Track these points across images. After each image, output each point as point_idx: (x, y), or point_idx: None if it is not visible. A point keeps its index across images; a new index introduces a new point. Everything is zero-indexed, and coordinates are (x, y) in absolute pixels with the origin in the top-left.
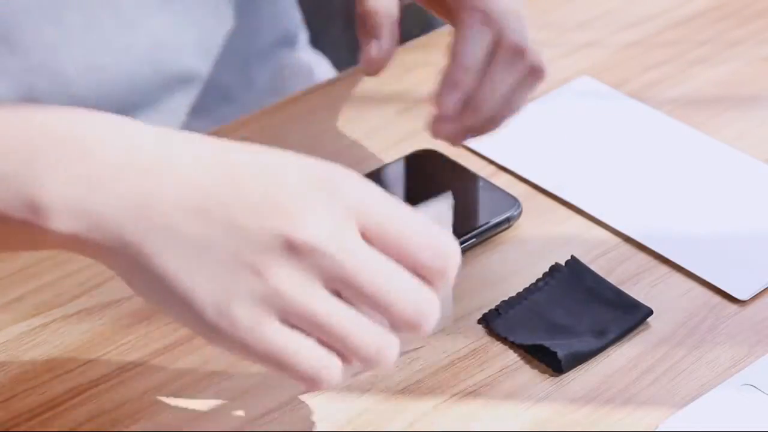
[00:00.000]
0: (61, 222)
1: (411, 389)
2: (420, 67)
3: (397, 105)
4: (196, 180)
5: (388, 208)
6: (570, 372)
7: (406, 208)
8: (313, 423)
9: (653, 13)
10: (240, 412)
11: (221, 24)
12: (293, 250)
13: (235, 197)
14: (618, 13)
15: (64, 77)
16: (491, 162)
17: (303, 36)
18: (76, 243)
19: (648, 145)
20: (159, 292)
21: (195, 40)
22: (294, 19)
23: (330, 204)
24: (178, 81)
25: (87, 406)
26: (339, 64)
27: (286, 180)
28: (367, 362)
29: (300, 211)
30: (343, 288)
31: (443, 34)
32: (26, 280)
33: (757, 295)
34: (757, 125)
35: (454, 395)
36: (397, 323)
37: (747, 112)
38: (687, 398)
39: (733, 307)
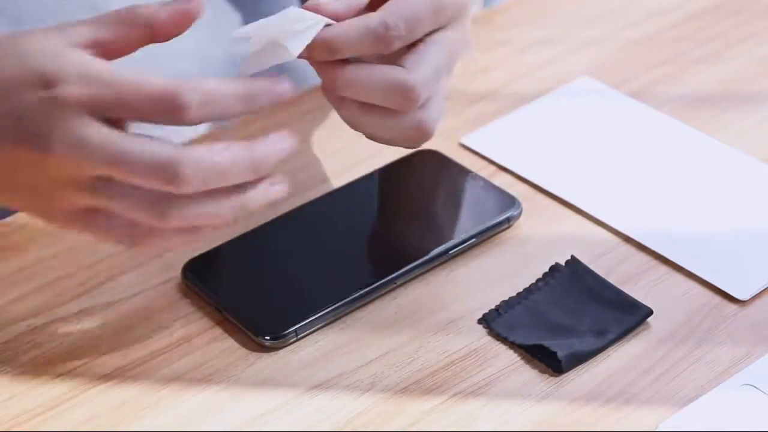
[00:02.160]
0: None
1: (411, 389)
2: None
3: None
4: None
5: (115, 89)
6: (570, 372)
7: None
8: (313, 423)
9: (654, 12)
10: (240, 412)
11: (217, 30)
12: (44, 166)
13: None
14: (618, 13)
15: None
16: (491, 162)
17: None
18: None
19: (648, 145)
20: None
21: (191, 47)
22: None
23: (56, 111)
24: None
25: (87, 406)
26: None
27: (10, 97)
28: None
29: (30, 126)
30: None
31: None
32: (26, 280)
33: (757, 295)
34: (757, 125)
35: (454, 395)
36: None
37: (747, 112)
38: (687, 398)
39: (733, 307)
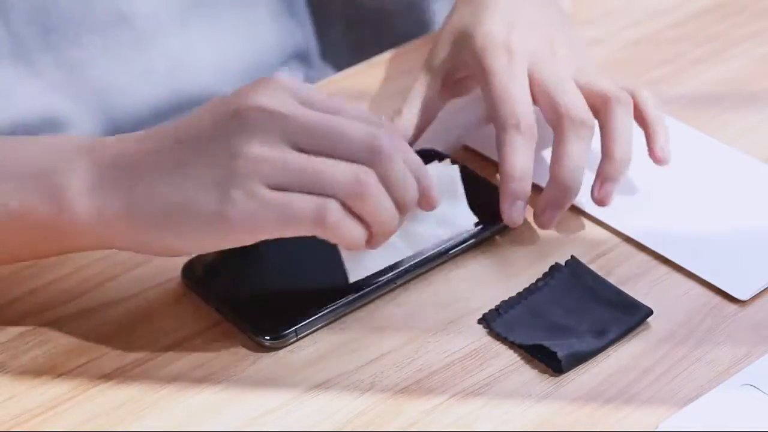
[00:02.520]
0: (81, 206)
1: (411, 389)
2: (420, 67)
3: (396, 105)
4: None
5: (316, 92)
6: (570, 372)
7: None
8: (313, 423)
9: (654, 12)
10: (240, 412)
11: (237, 42)
12: (243, 117)
13: (193, 136)
14: (618, 13)
15: (83, 99)
16: (491, 162)
17: (315, 51)
18: (95, 224)
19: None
20: (177, 231)
21: (212, 60)
22: (307, 34)
23: (269, 91)
24: (194, 102)
25: (87, 406)
26: (339, 64)
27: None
28: (349, 192)
29: (241, 95)
30: (300, 138)
31: None
32: (26, 280)
33: (757, 295)
34: (757, 125)
35: (454, 395)
36: (355, 150)
37: (747, 112)
38: (687, 398)
39: (733, 307)
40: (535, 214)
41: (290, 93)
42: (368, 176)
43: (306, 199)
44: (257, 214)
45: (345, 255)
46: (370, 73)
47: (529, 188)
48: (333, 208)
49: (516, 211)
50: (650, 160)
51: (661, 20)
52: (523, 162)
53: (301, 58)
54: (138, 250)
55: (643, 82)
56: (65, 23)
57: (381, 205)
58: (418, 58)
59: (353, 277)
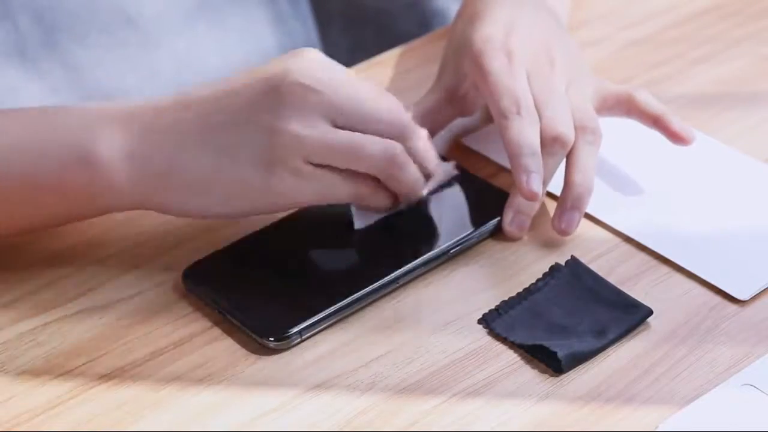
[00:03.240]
0: (115, 167)
1: (411, 389)
2: (420, 67)
3: None
4: (203, 115)
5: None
6: (570, 372)
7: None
8: (313, 423)
9: (654, 12)
10: (240, 412)
11: (242, 44)
12: (284, 94)
13: (235, 109)
14: (619, 13)
15: (90, 98)
16: (491, 162)
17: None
18: (132, 186)
19: (648, 144)
20: (214, 197)
21: (217, 61)
22: (311, 36)
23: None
24: None
25: (87, 406)
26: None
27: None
28: (381, 164)
29: (279, 70)
30: (335, 115)
31: (442, 34)
32: (26, 280)
33: (757, 295)
34: (757, 125)
35: (454, 395)
36: (384, 128)
37: (747, 111)
38: (687, 398)
39: (733, 307)
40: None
41: (323, 68)
42: (399, 149)
43: (343, 180)
44: (300, 189)
45: (354, 206)
46: (370, 73)
47: (540, 162)
48: (367, 188)
49: (534, 182)
50: (650, 160)
51: (660, 20)
52: (531, 139)
53: None
54: (171, 212)
55: (643, 82)
56: (72, 23)
57: (412, 173)
58: (418, 58)
59: (358, 225)
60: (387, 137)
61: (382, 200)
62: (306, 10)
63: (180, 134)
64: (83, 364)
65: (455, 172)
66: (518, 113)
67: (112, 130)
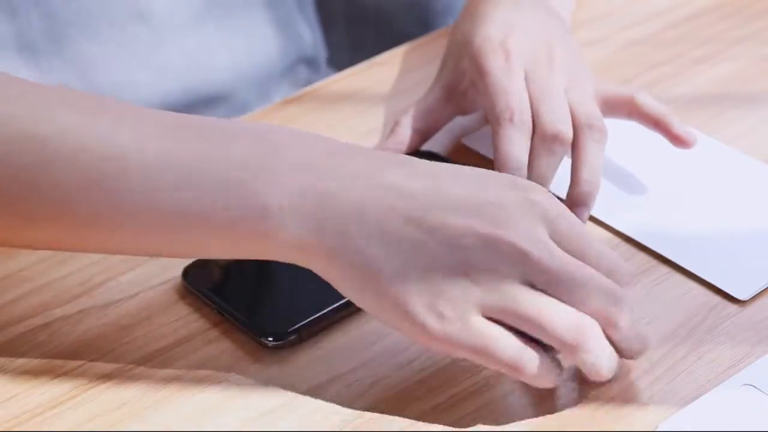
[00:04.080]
0: (289, 227)
1: (411, 389)
2: (420, 67)
3: (396, 105)
4: (407, 188)
5: (574, 222)
6: (570, 372)
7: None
8: (313, 423)
9: (654, 12)
10: (240, 412)
11: (251, 44)
12: (497, 249)
13: (443, 204)
14: (619, 13)
15: (99, 93)
16: (491, 162)
17: (323, 56)
18: (299, 247)
19: (648, 144)
20: (372, 295)
21: (226, 60)
22: (317, 41)
23: (527, 209)
24: (206, 101)
25: (87, 406)
26: (339, 64)
27: (487, 186)
28: (567, 345)
29: (501, 213)
30: (540, 283)
31: (443, 34)
32: (26, 280)
33: (757, 295)
34: (757, 125)
35: (454, 395)
36: (592, 312)
37: (747, 111)
38: (687, 398)
39: (733, 307)
40: None
41: (546, 223)
42: (590, 327)
43: (512, 344)
44: (455, 337)
45: None
46: (370, 73)
47: (524, 177)
48: (533, 358)
49: None
50: (651, 160)
51: (660, 20)
52: (518, 153)
53: (308, 62)
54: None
55: (643, 82)
56: (83, 18)
57: (598, 356)
58: (418, 58)
59: None
60: (592, 311)
61: (545, 377)
62: (312, 12)
63: (357, 219)
64: (83, 364)
65: None
66: (511, 120)
67: (289, 183)
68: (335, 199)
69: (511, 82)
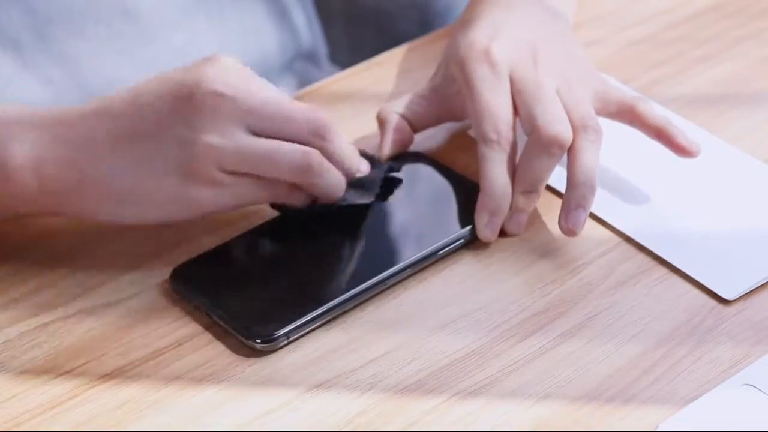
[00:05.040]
0: (25, 174)
1: (411, 389)
2: (420, 67)
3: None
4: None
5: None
6: (569, 372)
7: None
8: (312, 423)
9: (655, 12)
10: (240, 412)
11: (241, 38)
12: (199, 102)
13: (150, 119)
14: (620, 13)
15: (87, 90)
16: None
17: (323, 51)
18: (42, 194)
19: (648, 144)
20: (130, 206)
21: (218, 50)
22: (315, 35)
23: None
24: None
25: (87, 406)
26: (339, 64)
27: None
28: (296, 172)
29: (194, 77)
30: (251, 121)
31: (443, 35)
32: (26, 280)
33: (757, 295)
34: (757, 125)
35: (454, 395)
36: (302, 131)
37: (748, 111)
38: (687, 398)
39: (733, 308)
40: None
41: (237, 74)
42: (315, 156)
43: (258, 185)
44: (217, 197)
45: None
46: (370, 73)
47: (507, 206)
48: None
49: (491, 229)
50: (651, 160)
51: (660, 20)
52: (501, 179)
53: (307, 57)
54: (87, 220)
55: (643, 82)
56: (68, 15)
57: (328, 179)
58: (418, 58)
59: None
60: (305, 139)
61: (298, 200)
62: (310, 5)
63: (94, 146)
64: (83, 364)
65: (398, 174)
66: (497, 143)
67: (27, 136)
68: (58, 146)
69: (495, 96)
